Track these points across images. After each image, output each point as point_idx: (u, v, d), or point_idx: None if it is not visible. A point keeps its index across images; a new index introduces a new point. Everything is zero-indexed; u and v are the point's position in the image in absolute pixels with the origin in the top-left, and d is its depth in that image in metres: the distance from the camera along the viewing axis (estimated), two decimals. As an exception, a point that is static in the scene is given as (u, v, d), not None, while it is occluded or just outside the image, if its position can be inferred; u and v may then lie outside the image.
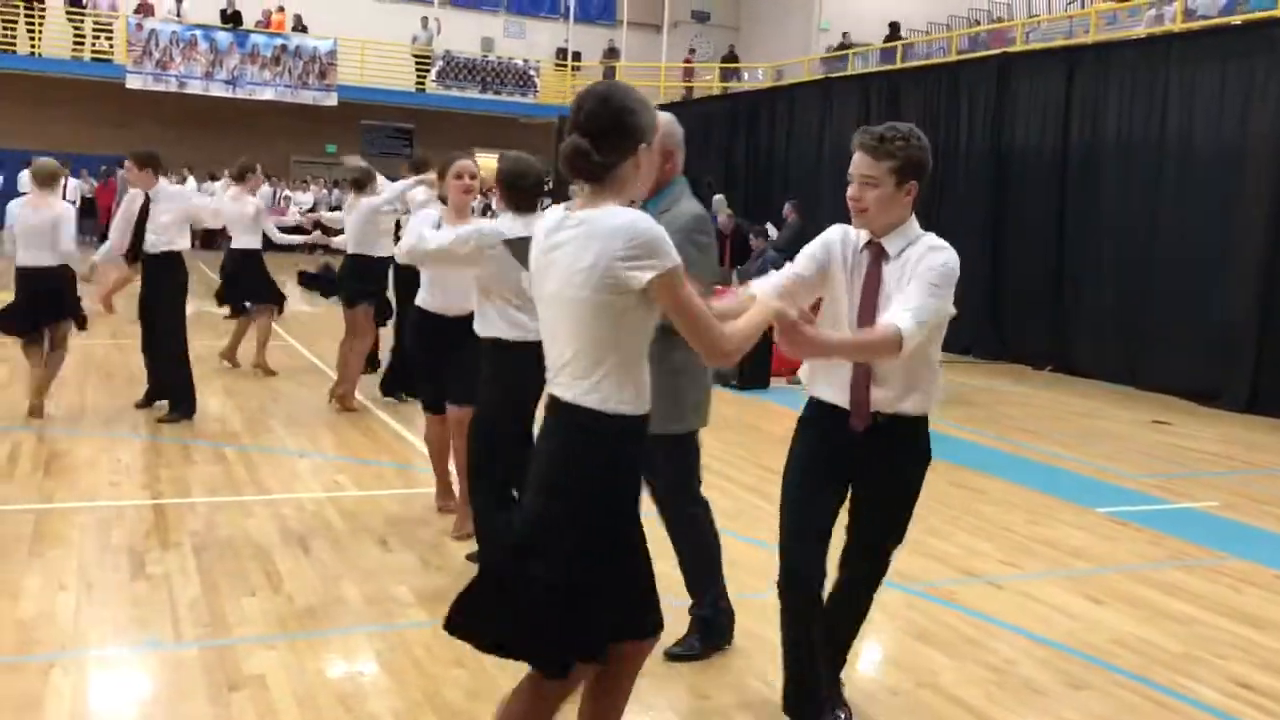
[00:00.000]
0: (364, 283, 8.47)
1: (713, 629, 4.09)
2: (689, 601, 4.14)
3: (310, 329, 12.36)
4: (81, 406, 8.09)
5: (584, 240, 2.51)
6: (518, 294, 4.50)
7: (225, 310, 13.30)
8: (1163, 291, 11.69)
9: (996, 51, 15.94)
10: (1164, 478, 7.67)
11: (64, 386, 8.33)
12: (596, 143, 2.53)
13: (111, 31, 24.89)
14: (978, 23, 21.83)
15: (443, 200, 5.56)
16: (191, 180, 23.19)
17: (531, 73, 27.81)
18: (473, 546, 5.07)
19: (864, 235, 3.19)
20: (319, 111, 26.02)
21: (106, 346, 10.83)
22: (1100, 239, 12.58)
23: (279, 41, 25.48)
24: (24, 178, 7.70)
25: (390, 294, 8.73)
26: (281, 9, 26.43)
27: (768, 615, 4.35)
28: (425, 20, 27.45)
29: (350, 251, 8.53)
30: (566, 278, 2.53)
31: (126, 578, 4.67)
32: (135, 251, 7.62)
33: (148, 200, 7.56)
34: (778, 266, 3.15)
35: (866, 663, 4.22)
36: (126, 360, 9.95)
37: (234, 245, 10.02)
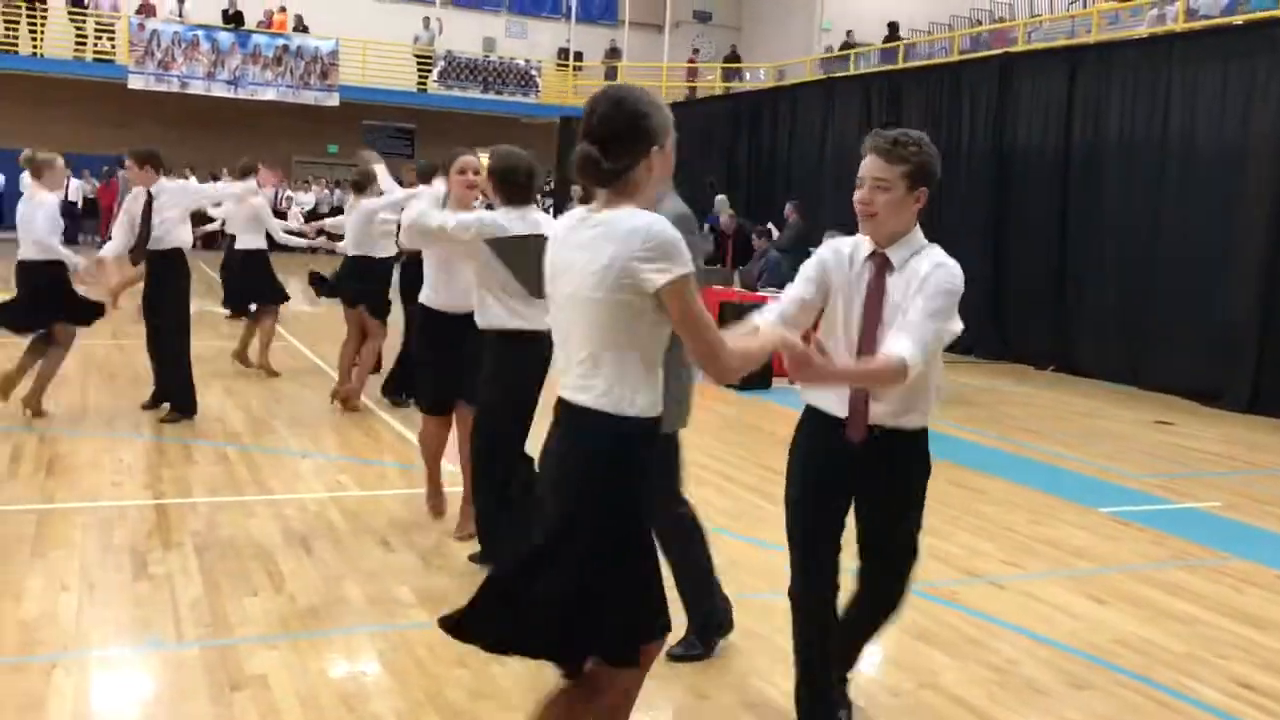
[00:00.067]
0: (364, 283, 8.49)
1: (709, 625, 4.08)
2: None
3: (312, 330, 12.36)
4: (83, 407, 8.09)
5: (602, 241, 2.50)
6: (505, 286, 4.50)
7: (226, 310, 13.36)
8: (1165, 291, 11.69)
9: (998, 51, 15.94)
10: (1166, 478, 7.67)
11: (66, 386, 8.34)
12: (607, 148, 2.51)
13: (113, 32, 24.91)
14: (979, 22, 21.82)
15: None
16: (193, 180, 23.21)
17: (533, 73, 27.81)
18: (475, 547, 5.07)
19: (865, 246, 3.14)
20: (321, 112, 26.04)
21: (108, 346, 10.84)
22: (1102, 239, 12.57)
23: (281, 42, 25.49)
24: (25, 178, 7.69)
25: (394, 293, 8.74)
26: (283, 9, 26.44)
27: (768, 615, 4.36)
28: (427, 20, 27.46)
29: (350, 253, 8.55)
30: (582, 278, 2.52)
31: (129, 578, 4.67)
32: (141, 250, 7.63)
33: (150, 198, 7.56)
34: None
35: (868, 663, 4.21)
36: (129, 360, 9.96)
37: (238, 245, 10.03)
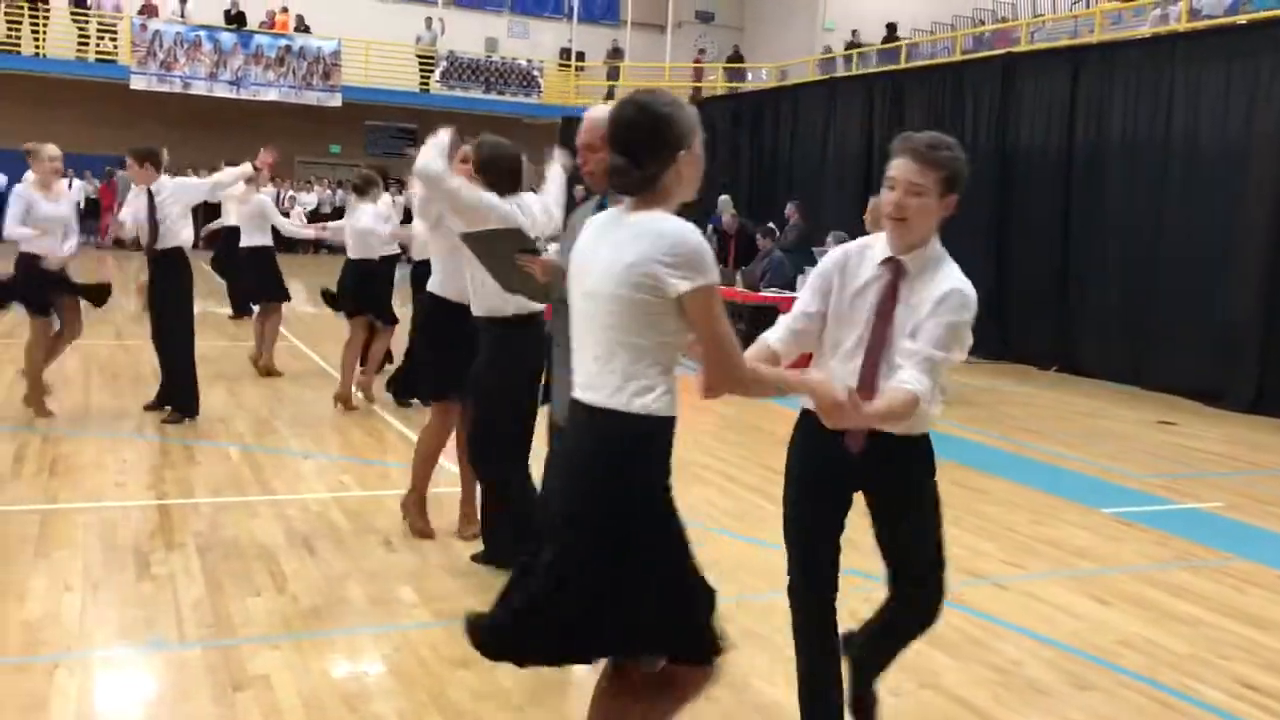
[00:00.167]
0: (366, 287, 8.50)
1: None
2: None
3: (315, 330, 12.37)
4: (86, 407, 8.10)
5: (630, 240, 2.50)
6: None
7: (228, 310, 13.39)
8: (1168, 291, 11.68)
9: (1001, 51, 15.94)
10: (1169, 478, 7.66)
11: (69, 387, 8.35)
12: (635, 156, 2.51)
13: (116, 32, 24.94)
14: (982, 22, 21.81)
15: None
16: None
17: (535, 73, 27.82)
18: (477, 546, 5.07)
19: (879, 250, 3.06)
20: (323, 112, 26.05)
21: (111, 347, 10.85)
22: (1105, 238, 12.57)
23: (283, 42, 25.51)
24: (29, 176, 7.69)
25: (396, 293, 8.75)
26: (285, 10, 26.46)
27: (769, 616, 4.36)
28: (429, 20, 27.49)
29: (352, 257, 8.55)
30: (605, 274, 2.52)
31: (131, 578, 4.68)
32: (153, 246, 7.65)
33: (151, 197, 7.58)
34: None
35: (871, 663, 4.21)
36: (131, 360, 9.98)
37: (243, 243, 10.05)
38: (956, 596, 4.90)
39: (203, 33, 24.80)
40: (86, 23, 24.84)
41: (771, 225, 14.74)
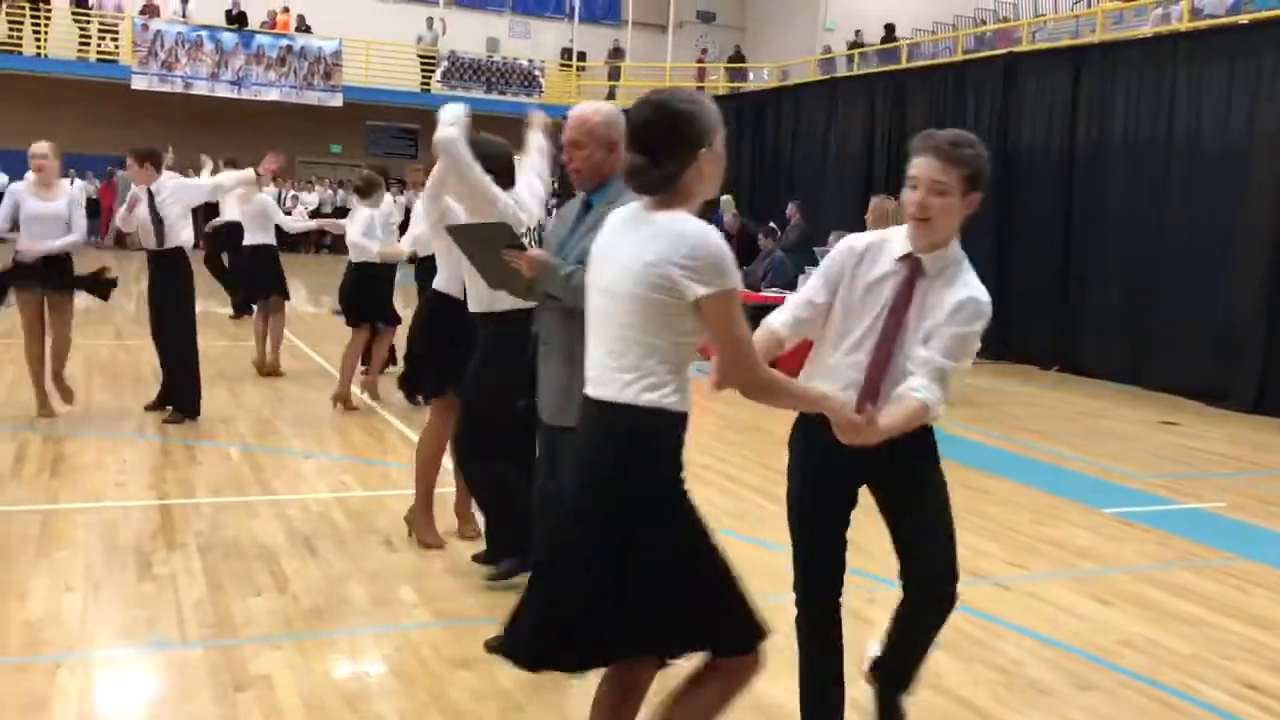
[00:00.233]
0: (366, 292, 8.48)
1: None
2: None
3: (316, 330, 12.37)
4: (87, 407, 8.10)
5: (650, 239, 2.49)
6: None
7: (229, 310, 13.40)
8: (1169, 291, 11.67)
9: (1002, 51, 15.93)
10: (1171, 478, 7.65)
11: (70, 387, 8.34)
12: (655, 155, 2.49)
13: (117, 32, 24.96)
14: (983, 22, 21.79)
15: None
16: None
17: (536, 73, 27.84)
18: (478, 546, 5.07)
19: (897, 246, 3.00)
20: (324, 112, 26.07)
21: (112, 347, 10.86)
22: (1106, 238, 12.56)
23: (284, 42, 25.53)
24: (29, 175, 7.68)
25: (399, 291, 8.75)
26: (286, 10, 26.48)
27: (771, 616, 4.34)
28: (430, 20, 27.51)
29: (353, 260, 8.55)
30: (623, 271, 2.51)
31: (133, 578, 4.68)
32: (162, 244, 7.67)
33: (151, 196, 7.58)
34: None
35: (870, 665, 4.20)
36: (132, 360, 9.98)
37: (246, 241, 10.06)
38: (958, 596, 4.90)
39: (204, 33, 24.82)
40: (88, 23, 24.86)
41: (773, 225, 14.74)
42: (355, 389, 8.73)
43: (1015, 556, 5.61)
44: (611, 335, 2.56)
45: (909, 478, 3.11)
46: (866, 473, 3.12)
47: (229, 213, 11.90)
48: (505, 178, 4.59)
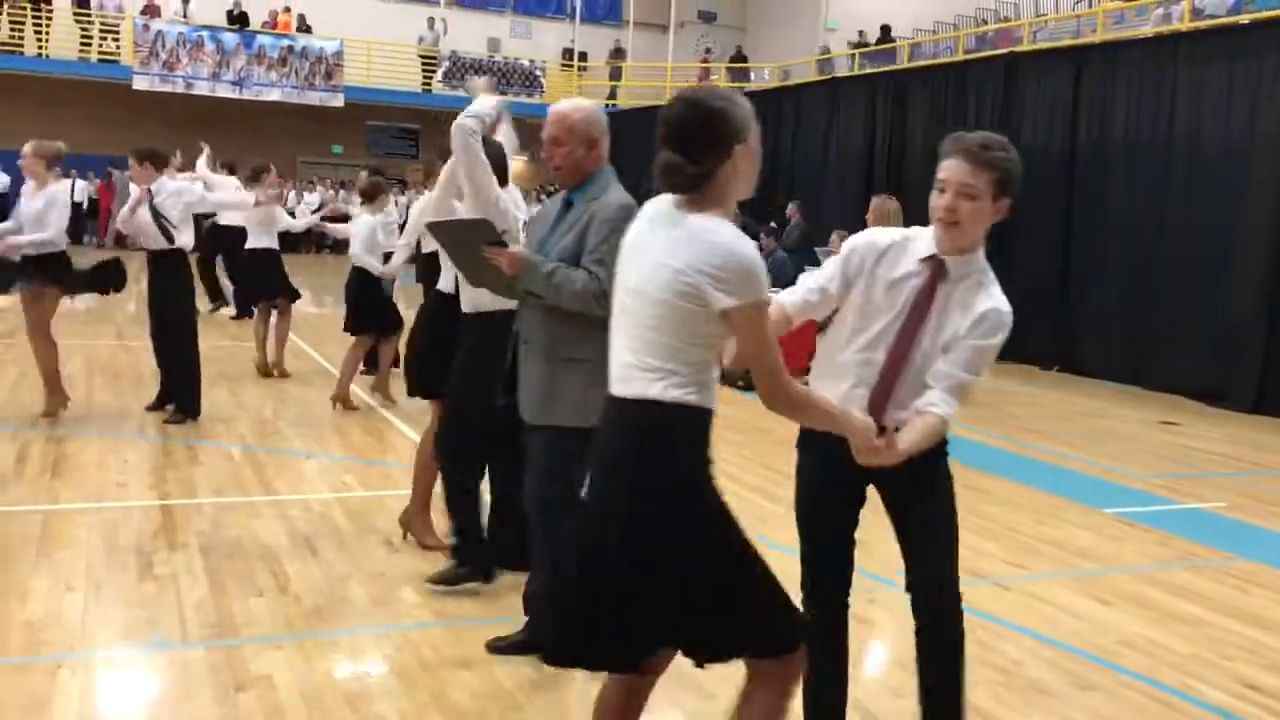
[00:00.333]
0: (369, 295, 8.46)
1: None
2: None
3: (318, 331, 12.38)
4: (88, 407, 8.10)
5: (682, 242, 2.44)
6: None
7: (231, 311, 13.42)
8: (1170, 291, 11.67)
9: (1003, 51, 15.94)
10: (1171, 478, 7.66)
11: (71, 387, 8.34)
12: (689, 152, 2.45)
13: (118, 33, 24.96)
14: (984, 22, 21.80)
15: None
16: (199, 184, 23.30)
17: (538, 73, 27.85)
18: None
19: (922, 246, 2.94)
20: (325, 112, 26.08)
21: (112, 347, 10.86)
22: (1107, 238, 12.56)
23: (285, 42, 25.54)
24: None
25: (401, 291, 8.75)
26: (288, 10, 26.48)
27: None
28: (431, 21, 27.51)
29: (356, 263, 8.55)
30: (652, 274, 2.47)
31: (134, 578, 4.68)
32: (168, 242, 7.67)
33: (151, 196, 7.60)
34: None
35: (871, 664, 4.21)
36: (133, 360, 9.98)
37: (249, 245, 10.07)
38: (960, 596, 4.91)
39: (205, 33, 24.83)
40: (89, 23, 24.87)
41: (774, 225, 14.74)
42: (357, 389, 8.74)
43: (1015, 556, 5.61)
44: (636, 335, 2.53)
45: (917, 480, 3.04)
46: (875, 473, 3.03)
47: (223, 216, 11.96)
48: (499, 176, 4.58)
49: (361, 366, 8.84)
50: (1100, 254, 12.64)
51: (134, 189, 7.73)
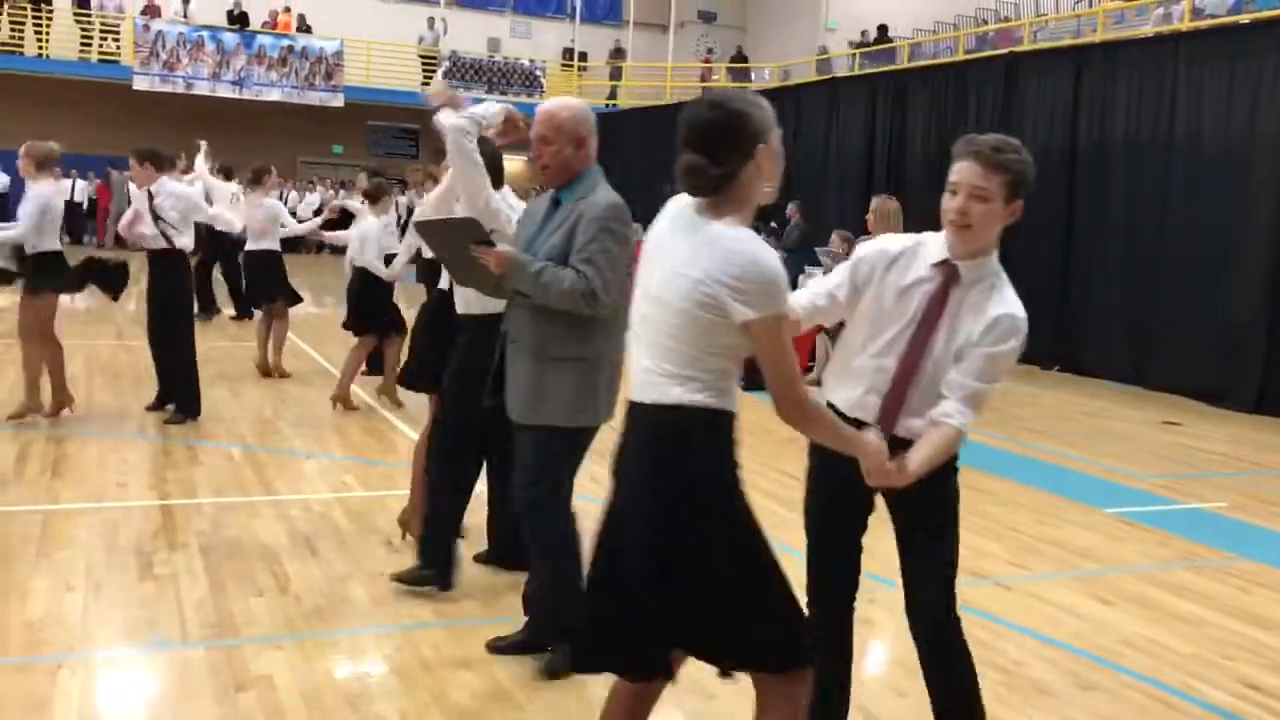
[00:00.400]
0: (372, 296, 8.45)
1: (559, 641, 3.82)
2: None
3: (318, 331, 12.38)
4: (89, 407, 8.10)
5: (703, 251, 2.42)
6: None
7: (231, 311, 13.41)
8: (1171, 291, 11.67)
9: (1004, 51, 15.93)
10: (1172, 478, 7.65)
11: (71, 388, 8.33)
12: (712, 153, 2.44)
13: (118, 33, 24.96)
14: (985, 22, 21.80)
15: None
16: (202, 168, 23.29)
17: (538, 73, 27.84)
18: (481, 546, 5.06)
19: (933, 251, 2.91)
20: (325, 112, 26.07)
21: (112, 347, 10.86)
22: (1108, 238, 12.55)
23: (285, 42, 25.53)
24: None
25: (403, 291, 8.74)
26: (288, 10, 26.47)
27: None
28: (431, 21, 27.50)
29: (359, 263, 8.54)
30: (672, 282, 2.45)
31: (134, 578, 4.68)
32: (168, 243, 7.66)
33: (151, 197, 7.59)
34: (785, 267, 2.87)
35: (873, 664, 4.21)
36: (133, 361, 9.98)
37: (249, 248, 10.07)
38: (960, 597, 4.90)
39: (205, 33, 24.82)
40: (89, 23, 24.87)
41: (774, 225, 14.73)
42: (357, 389, 8.73)
43: (1017, 557, 5.61)
44: (656, 342, 2.51)
45: (925, 499, 2.97)
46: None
47: (216, 222, 11.98)
48: (495, 178, 4.56)
49: (364, 368, 8.84)
50: (1101, 254, 12.64)
51: (134, 190, 7.72)
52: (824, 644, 3.17)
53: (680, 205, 2.58)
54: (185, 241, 7.70)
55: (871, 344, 2.94)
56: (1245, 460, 8.54)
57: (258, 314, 10.31)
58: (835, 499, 3.06)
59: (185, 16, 25.22)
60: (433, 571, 4.59)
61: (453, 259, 3.84)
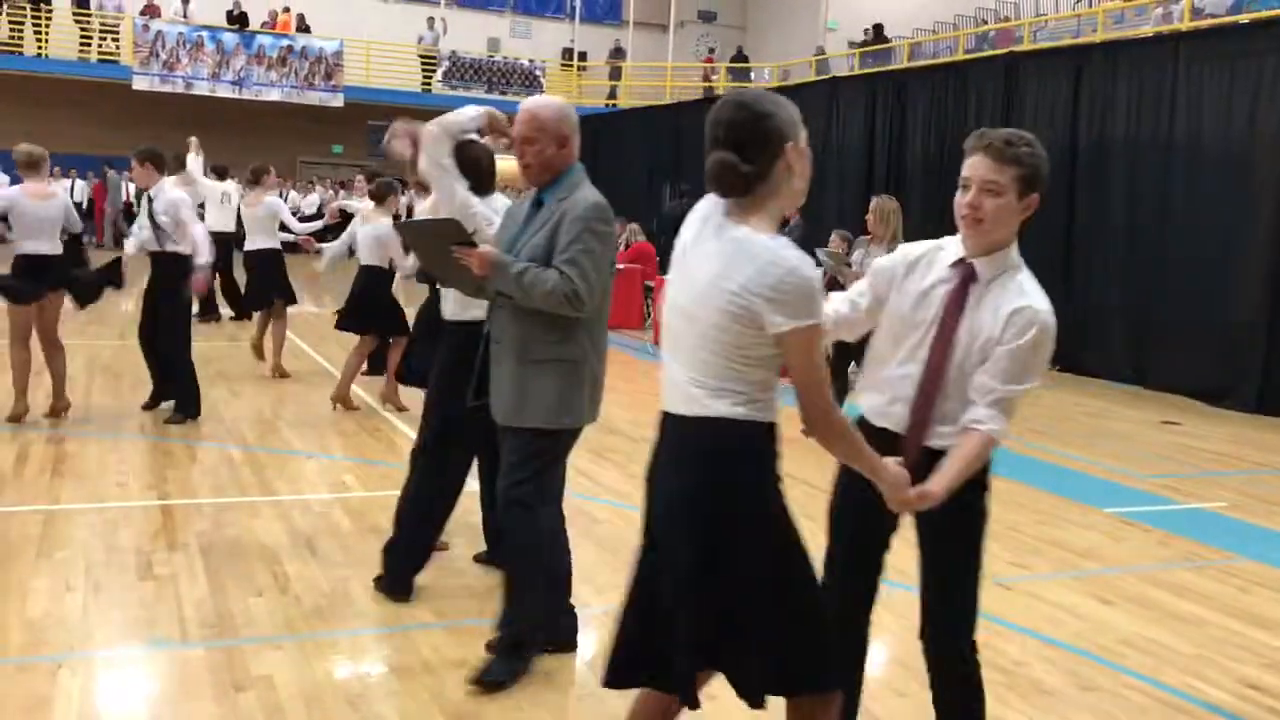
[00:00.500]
0: (376, 296, 8.44)
1: (520, 651, 3.81)
2: (592, 604, 4.10)
3: (317, 331, 12.37)
4: (88, 408, 8.10)
5: (737, 261, 2.39)
6: None
7: (230, 311, 13.40)
8: (1171, 291, 11.66)
9: (1004, 51, 15.93)
10: (1173, 478, 7.65)
11: (71, 388, 8.33)
12: (742, 151, 2.41)
13: (118, 33, 24.95)
14: (985, 22, 21.80)
15: None
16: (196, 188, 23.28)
17: (537, 73, 27.83)
18: (479, 546, 5.06)
19: (950, 252, 2.87)
20: (325, 112, 26.07)
21: (113, 347, 10.85)
22: (1108, 238, 12.55)
23: (285, 42, 25.53)
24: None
25: (403, 289, 8.74)
26: (287, 10, 26.47)
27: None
28: (431, 21, 27.50)
29: (363, 263, 8.54)
30: (704, 293, 2.42)
31: (134, 578, 4.67)
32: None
33: (151, 200, 7.59)
34: None
35: (874, 664, 4.20)
36: (133, 361, 9.94)
37: (249, 246, 10.06)
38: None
39: (205, 33, 24.81)
40: (89, 23, 24.86)
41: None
42: (358, 390, 8.72)
43: (1017, 557, 5.61)
44: (692, 354, 2.47)
45: (950, 521, 2.87)
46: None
47: (213, 223, 12.01)
48: (487, 182, 4.55)
49: (364, 367, 8.83)
50: (1101, 254, 12.63)
51: (130, 189, 7.74)
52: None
53: (708, 209, 2.54)
54: (185, 245, 7.70)
55: (898, 351, 2.90)
56: (1246, 460, 8.53)
57: (259, 314, 10.31)
58: (861, 507, 2.91)
59: (185, 16, 25.22)
60: (388, 579, 4.57)
61: (434, 260, 3.81)
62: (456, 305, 4.47)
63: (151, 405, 8.00)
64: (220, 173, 12.97)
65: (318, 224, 11.88)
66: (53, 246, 7.34)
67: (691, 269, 2.49)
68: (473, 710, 3.61)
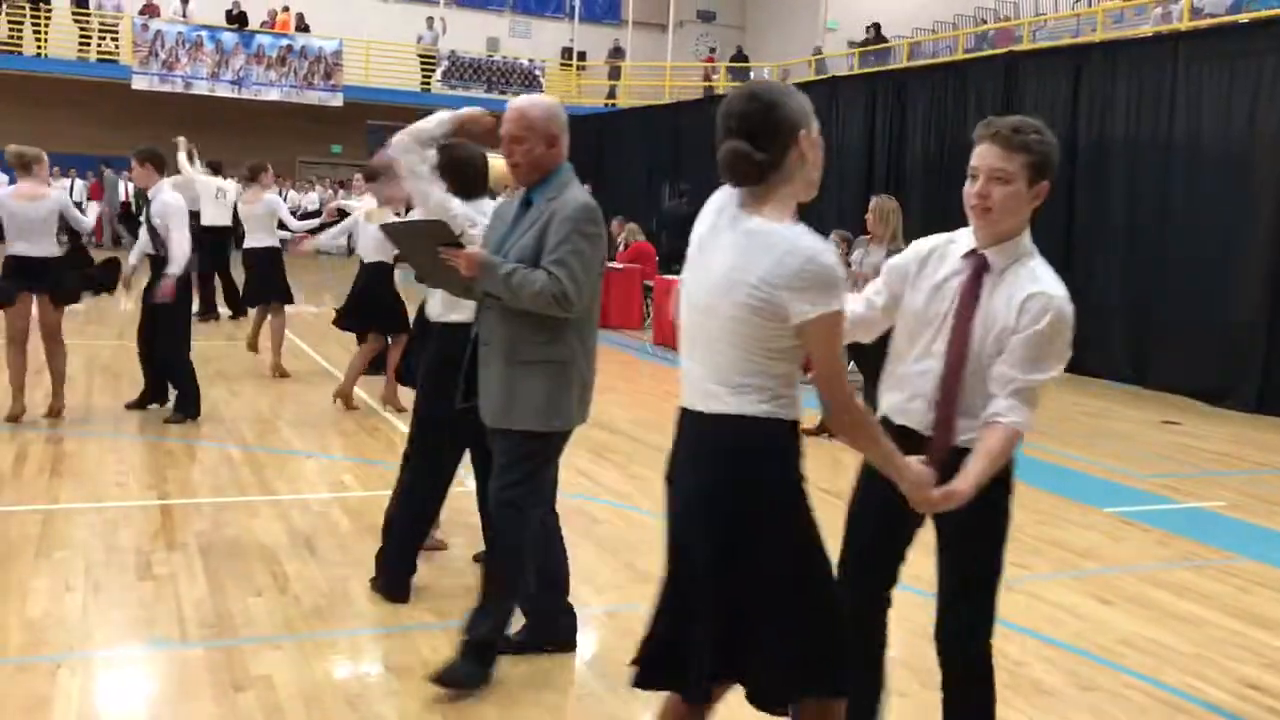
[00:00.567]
0: (378, 293, 8.43)
1: (486, 654, 3.76)
2: (591, 604, 4.09)
3: (317, 330, 12.37)
4: (88, 407, 8.10)
5: (755, 253, 2.37)
6: None
7: (229, 311, 13.39)
8: (1171, 291, 11.66)
9: (1003, 50, 15.93)
10: (1173, 478, 7.65)
11: (70, 387, 8.33)
12: (755, 140, 2.40)
13: (117, 33, 24.95)
14: (984, 21, 21.80)
15: None
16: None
17: (537, 72, 27.83)
18: (478, 546, 5.05)
19: (962, 243, 2.84)
20: (324, 112, 26.06)
21: (112, 347, 10.84)
22: (1108, 238, 12.55)
23: (284, 42, 25.52)
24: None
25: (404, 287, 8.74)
26: (287, 9, 26.46)
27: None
28: (430, 20, 27.50)
29: (366, 260, 8.53)
30: (723, 287, 2.39)
31: (133, 578, 4.67)
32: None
33: (149, 201, 7.59)
34: None
35: (874, 664, 4.20)
36: (133, 361, 9.94)
37: (248, 244, 10.06)
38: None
39: (204, 33, 24.81)
40: (88, 23, 24.86)
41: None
42: (358, 389, 8.72)
43: (1017, 557, 5.59)
44: (711, 349, 2.44)
45: (973, 521, 2.85)
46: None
47: (209, 219, 12.01)
48: (477, 185, 4.53)
49: (369, 372, 8.81)
50: (1101, 254, 12.63)
51: (129, 188, 7.74)
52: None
53: (723, 200, 2.53)
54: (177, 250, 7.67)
55: (914, 347, 2.87)
56: (1246, 460, 8.53)
57: (258, 310, 10.29)
58: (883, 505, 2.87)
59: (184, 16, 25.21)
60: (380, 581, 4.58)
61: (421, 262, 3.79)
62: (442, 306, 4.48)
63: (138, 405, 7.98)
64: (215, 168, 12.95)
65: (314, 222, 11.85)
66: (45, 248, 7.30)
67: (708, 262, 2.47)
68: (473, 710, 3.61)
